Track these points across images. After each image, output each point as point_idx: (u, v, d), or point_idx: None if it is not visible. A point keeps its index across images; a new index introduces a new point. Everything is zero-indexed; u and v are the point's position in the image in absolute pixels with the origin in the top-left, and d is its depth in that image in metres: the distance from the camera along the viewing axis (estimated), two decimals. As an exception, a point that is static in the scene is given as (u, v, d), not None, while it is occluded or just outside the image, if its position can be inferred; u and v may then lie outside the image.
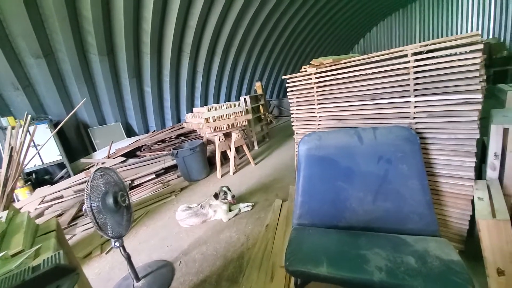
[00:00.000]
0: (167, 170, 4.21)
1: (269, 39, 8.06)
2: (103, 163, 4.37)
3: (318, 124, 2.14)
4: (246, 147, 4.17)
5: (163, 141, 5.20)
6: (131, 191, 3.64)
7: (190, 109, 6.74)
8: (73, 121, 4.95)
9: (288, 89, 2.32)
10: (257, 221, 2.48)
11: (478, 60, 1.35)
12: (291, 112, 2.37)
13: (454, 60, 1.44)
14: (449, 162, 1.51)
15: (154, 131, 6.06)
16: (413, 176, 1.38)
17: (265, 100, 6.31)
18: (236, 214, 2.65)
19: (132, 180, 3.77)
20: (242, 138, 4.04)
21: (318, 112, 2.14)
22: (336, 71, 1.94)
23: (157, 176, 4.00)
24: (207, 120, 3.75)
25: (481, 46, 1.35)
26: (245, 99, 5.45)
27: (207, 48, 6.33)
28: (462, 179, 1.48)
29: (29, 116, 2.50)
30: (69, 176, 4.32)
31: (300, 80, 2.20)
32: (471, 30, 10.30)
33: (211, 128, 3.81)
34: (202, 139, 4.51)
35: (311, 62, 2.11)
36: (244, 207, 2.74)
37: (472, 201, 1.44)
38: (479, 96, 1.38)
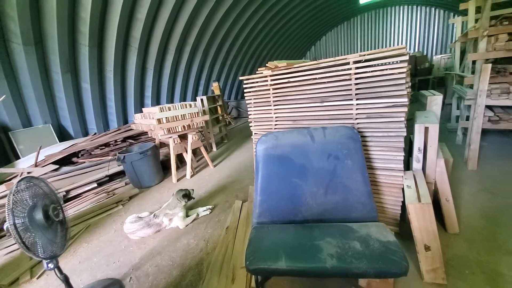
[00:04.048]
0: (112, 177, 3.78)
1: (225, 41, 8.02)
2: (29, 173, 3.66)
3: (275, 125, 2.22)
4: (204, 149, 4.05)
5: (106, 144, 4.64)
6: (66, 204, 3.14)
7: (139, 109, 6.19)
8: (-13, 123, 4.03)
9: (245, 90, 2.34)
10: (217, 224, 2.43)
11: (404, 69, 1.60)
12: (249, 113, 2.40)
13: (386, 69, 1.67)
14: (384, 157, 1.75)
15: (95, 133, 5.36)
16: (356, 170, 1.55)
17: (223, 101, 6.24)
18: (194, 219, 2.54)
19: (68, 191, 3.26)
20: (199, 140, 3.91)
21: (275, 113, 2.22)
22: (290, 75, 2.05)
23: (100, 184, 3.55)
24: (159, 121, 3.50)
25: (406, 57, 1.61)
26: (201, 100, 5.28)
27: (158, 45, 5.93)
28: (394, 171, 1.74)
29: None
30: (-21, 190, 3.48)
31: (257, 82, 2.25)
32: (401, 43, 12.30)
33: (164, 130, 3.57)
34: (154, 142, 4.19)
35: (267, 65, 2.18)
36: (202, 211, 2.65)
37: (403, 189, 1.70)
38: (405, 100, 1.64)
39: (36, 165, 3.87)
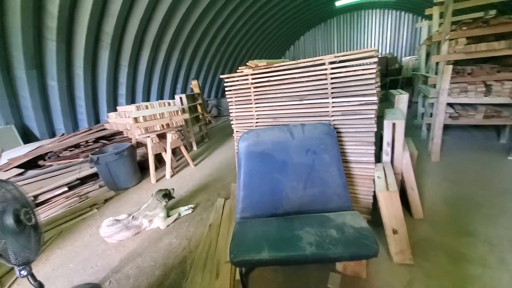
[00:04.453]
0: (84, 180, 3.57)
1: (203, 39, 7.90)
2: (-13, 178, 3.34)
3: (256, 122, 2.27)
4: (184, 148, 3.99)
5: (76, 146, 4.36)
6: (35, 209, 2.92)
7: (112, 108, 5.88)
8: None
9: (226, 89, 2.36)
10: (200, 222, 2.42)
11: (374, 70, 1.73)
12: (230, 111, 2.42)
13: (358, 70, 1.79)
14: (357, 151, 1.88)
15: (63, 134, 5.01)
16: (332, 164, 1.65)
17: (202, 100, 6.15)
18: (176, 219, 2.51)
19: (36, 196, 3.04)
20: (179, 139, 3.84)
21: (256, 111, 2.27)
22: (270, 74, 2.10)
23: (71, 188, 3.35)
24: (136, 120, 3.38)
25: (376, 59, 1.74)
26: (180, 98, 5.18)
27: (133, 40, 5.68)
28: (366, 163, 1.87)
29: None
30: None
31: (238, 80, 2.28)
32: (374, 45, 12.98)
33: (141, 129, 3.46)
34: (131, 142, 4.03)
35: (247, 64, 2.22)
36: (184, 210, 2.63)
37: (374, 180, 1.83)
38: (375, 98, 1.77)
39: (-3, 170, 3.54)
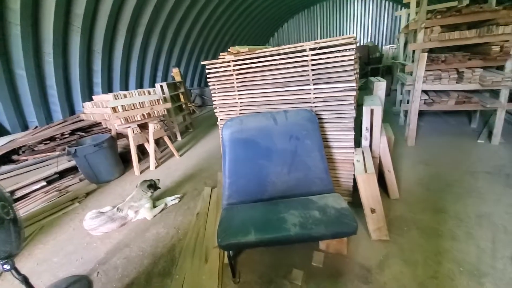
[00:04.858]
0: (62, 174, 3.43)
1: (183, 23, 7.56)
2: (-47, 175, 3.11)
3: (240, 110, 2.27)
4: (168, 139, 3.91)
5: (51, 139, 4.13)
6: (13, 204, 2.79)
7: (88, 97, 5.57)
8: None
9: (208, 76, 2.31)
10: (187, 211, 2.44)
11: (352, 57, 1.77)
12: (213, 99, 2.39)
13: (337, 56, 1.82)
14: (338, 136, 1.95)
15: (36, 127, 4.71)
16: (314, 149, 1.72)
17: (185, 88, 5.98)
18: (163, 209, 2.51)
19: (12, 192, 2.89)
20: (162, 129, 3.74)
21: (239, 98, 2.26)
22: (252, 60, 2.08)
23: (49, 182, 3.21)
24: (114, 109, 3.24)
25: (353, 46, 1.78)
26: (161, 86, 5.00)
27: (106, 24, 5.32)
28: (347, 148, 1.96)
29: None
30: None
31: (220, 67, 2.24)
32: (356, 33, 13.11)
33: (121, 119, 3.33)
34: (110, 133, 3.88)
35: (228, 50, 2.18)
36: (171, 200, 2.62)
37: (354, 164, 1.93)
38: (354, 85, 1.83)
39: (-37, 166, 3.30)
